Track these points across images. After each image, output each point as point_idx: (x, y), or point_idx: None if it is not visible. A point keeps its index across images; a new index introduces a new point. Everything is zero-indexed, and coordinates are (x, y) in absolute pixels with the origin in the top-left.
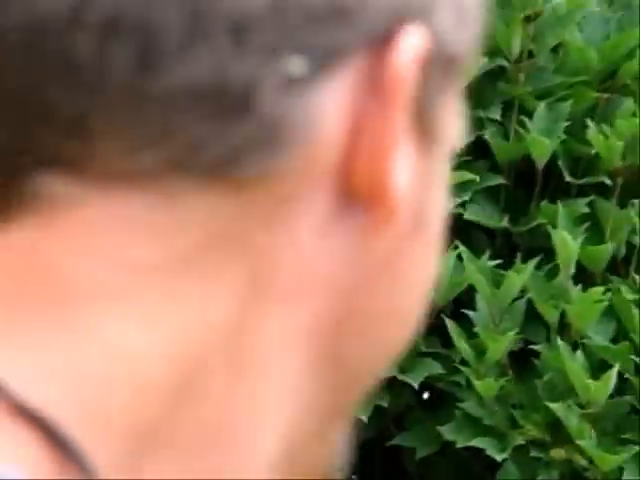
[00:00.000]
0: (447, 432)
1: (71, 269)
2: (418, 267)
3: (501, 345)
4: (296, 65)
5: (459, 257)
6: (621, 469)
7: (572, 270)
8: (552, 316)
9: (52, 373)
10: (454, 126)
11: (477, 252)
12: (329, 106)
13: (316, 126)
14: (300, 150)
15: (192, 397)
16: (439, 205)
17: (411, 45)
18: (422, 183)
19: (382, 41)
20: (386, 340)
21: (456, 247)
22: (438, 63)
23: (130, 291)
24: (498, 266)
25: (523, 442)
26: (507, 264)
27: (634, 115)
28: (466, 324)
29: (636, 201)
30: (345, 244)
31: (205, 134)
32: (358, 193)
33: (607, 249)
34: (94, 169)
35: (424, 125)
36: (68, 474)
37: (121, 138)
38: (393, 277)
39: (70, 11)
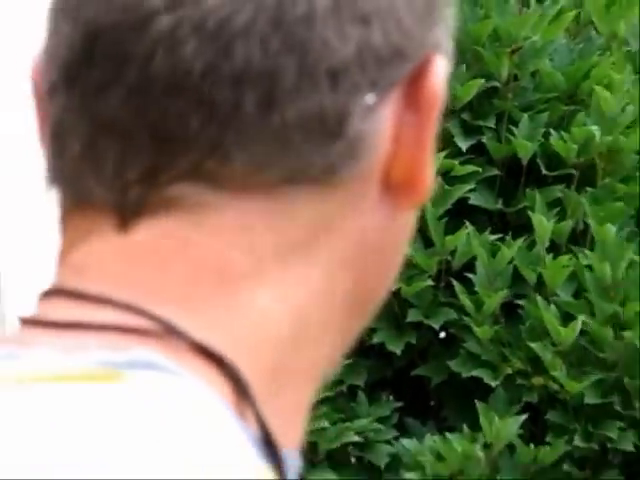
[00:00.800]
0: (454, 365)
1: (222, 254)
2: (409, 227)
3: (494, 300)
4: (370, 97)
5: (468, 234)
6: (584, 392)
7: (547, 243)
8: (531, 278)
9: (218, 329)
10: None
11: (480, 228)
12: (385, 122)
13: (379, 139)
14: (371, 157)
15: (302, 344)
16: None
17: (440, 69)
18: None
19: (420, 69)
20: (390, 275)
21: (467, 227)
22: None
23: (262, 269)
24: (496, 239)
25: (511, 372)
26: (501, 238)
27: (585, 124)
28: (468, 284)
29: (589, 189)
30: (384, 219)
31: (311, 154)
32: (395, 183)
33: (568, 225)
34: (233, 182)
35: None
36: (240, 397)
37: (251, 159)
38: (405, 237)
39: (207, 65)
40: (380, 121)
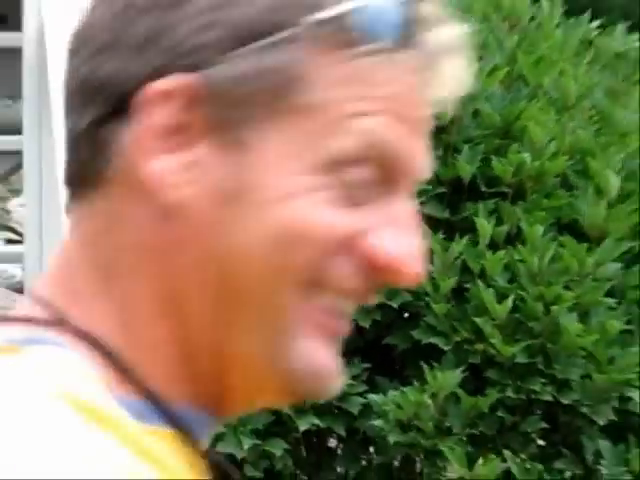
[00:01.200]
0: (416, 334)
1: (75, 244)
2: (235, 231)
3: (447, 285)
4: (95, 111)
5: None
6: (515, 355)
7: (487, 242)
8: (476, 268)
9: (95, 313)
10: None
11: (434, 232)
12: (123, 135)
13: (119, 148)
14: (118, 161)
15: (131, 321)
16: (261, 194)
17: (151, 95)
18: (222, 178)
19: (138, 95)
20: (228, 274)
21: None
22: (217, 104)
23: (84, 252)
24: (445, 239)
25: (459, 339)
26: (450, 239)
27: (519, 152)
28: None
29: (521, 202)
30: (145, 216)
31: (77, 159)
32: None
33: (504, 229)
34: None
35: (229, 139)
36: (111, 367)
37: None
38: (207, 233)
39: (73, 44)
40: (117, 134)
